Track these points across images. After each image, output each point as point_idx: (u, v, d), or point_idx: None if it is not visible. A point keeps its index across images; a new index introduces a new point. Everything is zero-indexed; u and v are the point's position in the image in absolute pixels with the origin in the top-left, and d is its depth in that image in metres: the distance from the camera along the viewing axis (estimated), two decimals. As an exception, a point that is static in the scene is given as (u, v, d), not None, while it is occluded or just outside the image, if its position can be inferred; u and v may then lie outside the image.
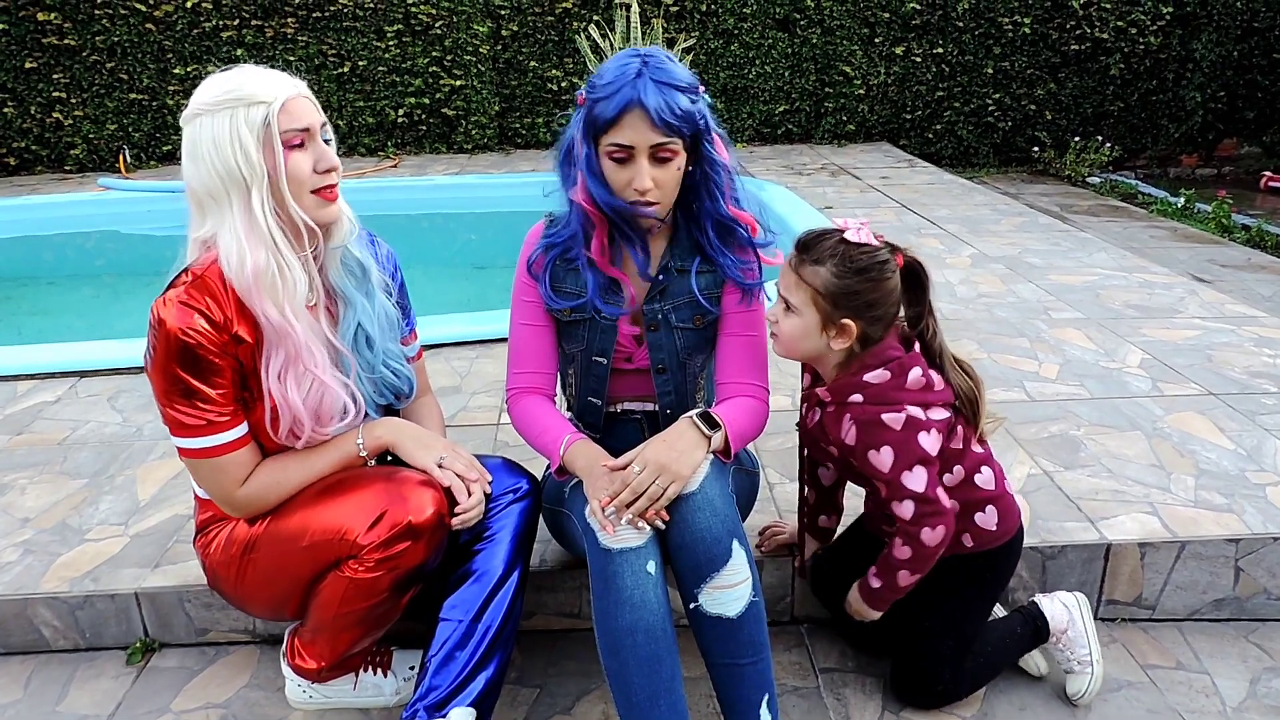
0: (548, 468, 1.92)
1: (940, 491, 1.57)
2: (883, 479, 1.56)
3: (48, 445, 2.59)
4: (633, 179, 1.54)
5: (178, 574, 1.98)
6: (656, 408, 1.81)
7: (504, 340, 3.24)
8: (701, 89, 1.57)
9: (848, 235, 1.52)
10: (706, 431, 1.57)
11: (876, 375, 1.55)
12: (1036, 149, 7.80)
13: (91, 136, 7.23)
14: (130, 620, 1.97)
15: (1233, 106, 8.02)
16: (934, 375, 1.59)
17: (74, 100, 7.13)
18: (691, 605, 1.52)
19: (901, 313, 1.59)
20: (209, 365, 1.45)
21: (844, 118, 7.78)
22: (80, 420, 2.74)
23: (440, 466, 1.60)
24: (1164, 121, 7.97)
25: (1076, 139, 7.58)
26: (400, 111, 7.45)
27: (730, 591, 1.50)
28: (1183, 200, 6.52)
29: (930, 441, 1.55)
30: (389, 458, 1.67)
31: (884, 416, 1.54)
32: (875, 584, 1.66)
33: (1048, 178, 7.64)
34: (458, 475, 1.60)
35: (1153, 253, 5.21)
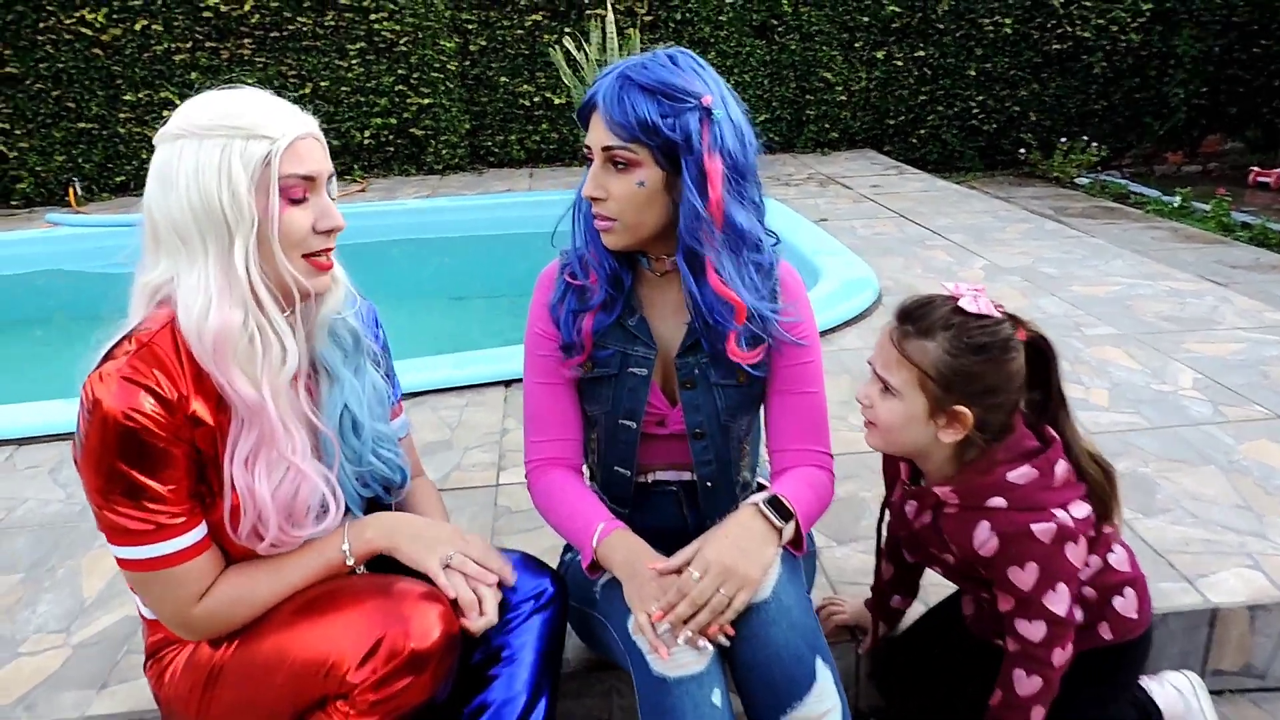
0: (568, 549, 1.62)
1: (1075, 609, 1.32)
2: (1020, 597, 1.29)
3: (-22, 532, 2.25)
4: (590, 186, 1.32)
5: (129, 697, 1.66)
6: (694, 477, 1.52)
7: (495, 385, 2.96)
8: (707, 100, 1.27)
9: (963, 304, 1.25)
10: (777, 522, 1.28)
11: (1021, 474, 1.28)
12: (1023, 151, 7.63)
13: (39, 169, 6.83)
14: (73, 757, 1.64)
15: (1215, 102, 7.90)
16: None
17: (18, 131, 6.73)
18: (770, 740, 1.23)
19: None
20: (159, 456, 1.14)
21: (826, 125, 7.57)
22: (17, 498, 2.40)
23: (448, 567, 1.30)
24: (1148, 119, 7.84)
25: (1063, 140, 7.41)
26: (366, 133, 7.13)
27: (818, 720, 1.21)
28: (1179, 199, 6.35)
29: (1077, 554, 1.28)
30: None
31: (1034, 527, 1.26)
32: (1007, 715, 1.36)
33: (1035, 180, 7.46)
34: (469, 576, 1.30)
35: (1158, 255, 5.01)
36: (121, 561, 1.19)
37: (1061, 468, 1.29)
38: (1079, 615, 1.33)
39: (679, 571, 1.25)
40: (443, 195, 6.38)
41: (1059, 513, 1.27)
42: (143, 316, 1.18)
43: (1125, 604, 1.39)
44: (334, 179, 1.23)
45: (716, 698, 1.20)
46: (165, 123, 1.16)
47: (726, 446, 1.49)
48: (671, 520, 1.56)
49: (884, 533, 1.58)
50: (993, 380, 1.24)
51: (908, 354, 1.26)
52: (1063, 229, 4.84)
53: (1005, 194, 6.82)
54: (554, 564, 1.55)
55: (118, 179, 7.00)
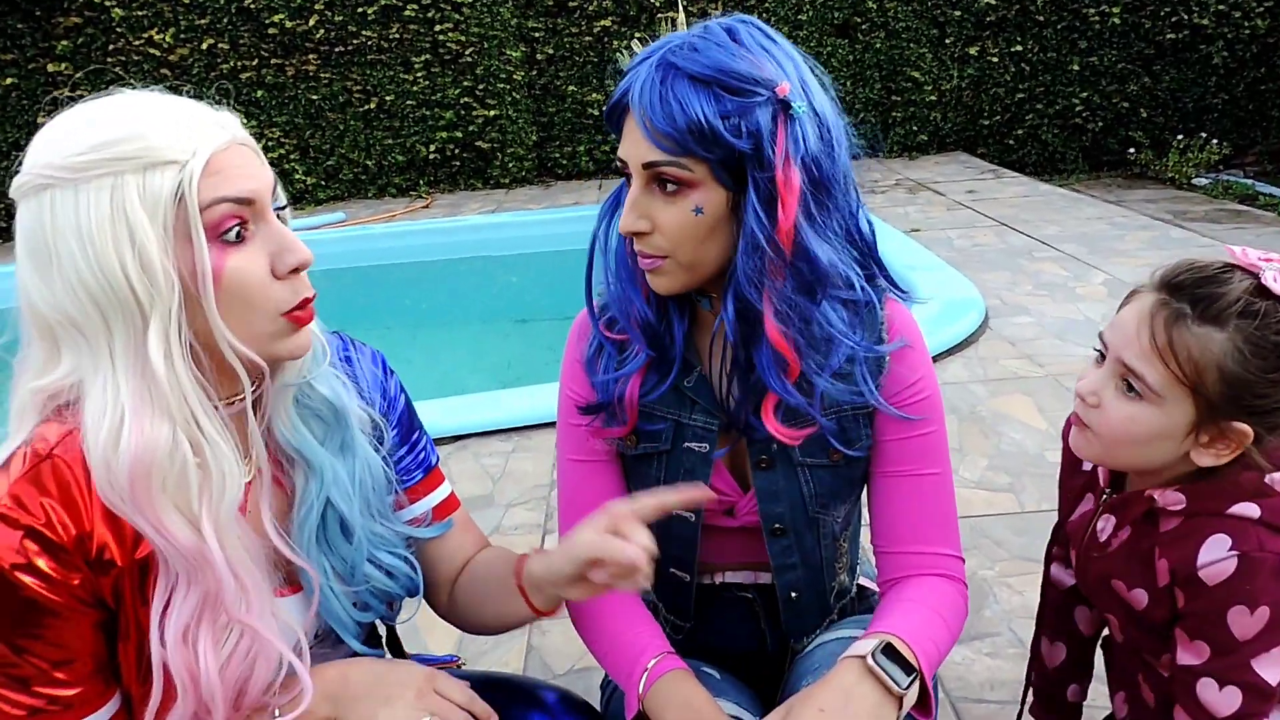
0: (606, 683, 1.26)
1: None
2: (1222, 651, 0.94)
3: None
4: (626, 218, 0.95)
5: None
6: (773, 582, 1.14)
7: (549, 425, 2.63)
8: (784, 88, 0.89)
9: (1268, 283, 0.87)
10: (897, 688, 0.89)
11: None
12: (1132, 150, 7.01)
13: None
14: None
15: (1354, 92, 7.16)
16: None
17: (89, 154, 6.76)
18: None
19: None
20: (48, 621, 0.79)
21: (914, 127, 7.08)
22: None
23: None
24: (1275, 113, 7.14)
25: (1179, 137, 6.77)
26: (432, 147, 6.94)
27: None
28: (1317, 201, 5.70)
29: None
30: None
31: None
32: None
33: (1147, 181, 6.84)
34: None
35: (1303, 264, 4.42)
36: None
37: None
38: None
39: None
40: (508, 210, 6.13)
41: None
42: (31, 427, 0.84)
43: None
44: (279, 188, 0.88)
45: None
46: (18, 167, 0.79)
47: (817, 546, 1.11)
48: (745, 637, 1.19)
49: (1050, 588, 1.21)
50: None
51: (1181, 345, 0.89)
52: (1192, 236, 4.30)
53: (1115, 198, 6.23)
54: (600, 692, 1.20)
55: (187, 200, 6.98)
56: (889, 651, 0.90)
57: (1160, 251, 4.02)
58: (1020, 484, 2.14)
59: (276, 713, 0.91)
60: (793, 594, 1.12)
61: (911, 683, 0.90)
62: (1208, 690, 0.94)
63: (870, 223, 1.05)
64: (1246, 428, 0.90)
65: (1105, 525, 1.05)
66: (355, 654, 1.04)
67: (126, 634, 0.85)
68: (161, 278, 0.77)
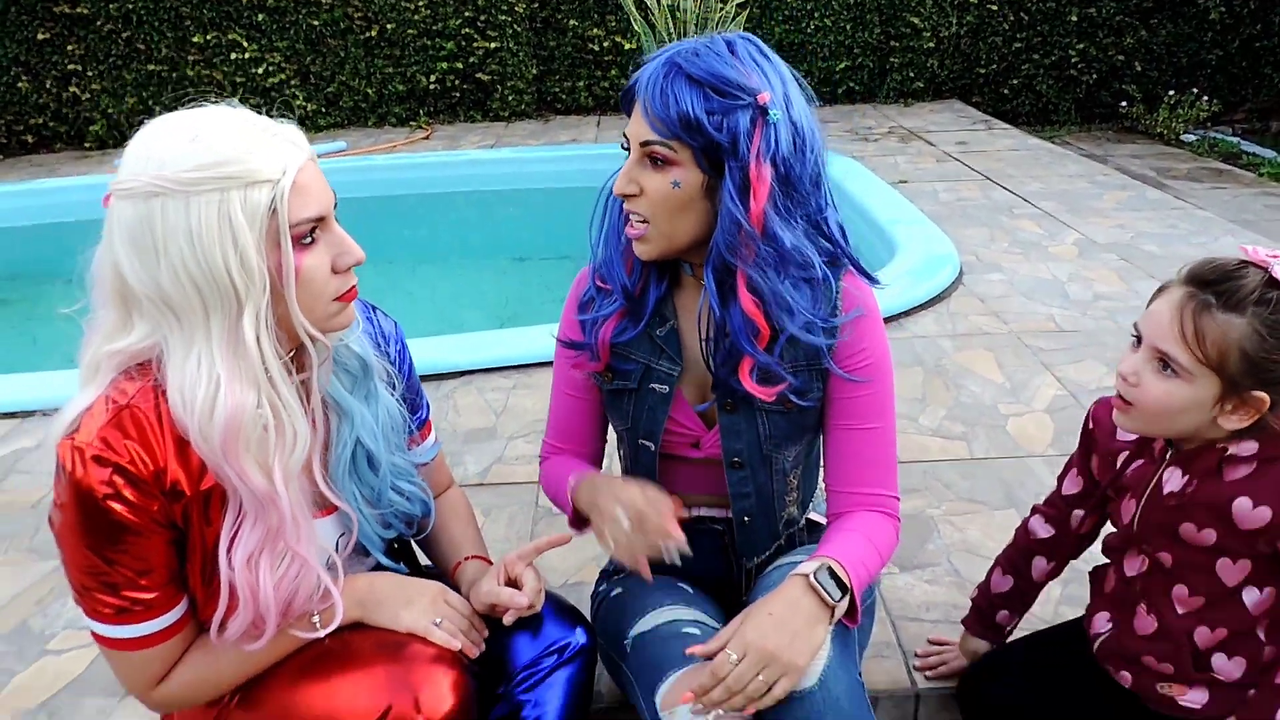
0: (600, 580, 1.50)
1: None
2: None
3: (20, 509, 2.23)
4: (622, 182, 1.17)
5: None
6: (730, 515, 1.37)
7: (546, 364, 2.83)
8: (764, 97, 1.09)
9: (1277, 274, 1.07)
10: (830, 599, 1.12)
11: None
12: (1124, 104, 7.10)
13: (110, 111, 6.87)
14: (92, 767, 1.60)
15: (1347, 51, 7.22)
16: None
17: (90, 73, 6.76)
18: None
19: None
20: (131, 539, 1.01)
21: (911, 74, 7.13)
22: (60, 474, 2.38)
23: (438, 627, 1.18)
24: (1268, 70, 7.21)
25: (1170, 92, 6.86)
26: (432, 78, 6.97)
27: (865, 824, 1.07)
28: (1299, 163, 5.84)
29: None
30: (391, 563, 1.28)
31: None
32: None
33: (1136, 135, 6.95)
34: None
35: (1272, 227, 4.60)
36: (93, 635, 1.09)
37: None
38: None
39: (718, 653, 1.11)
40: (506, 145, 6.21)
41: None
42: (107, 384, 1.02)
43: None
44: (335, 204, 1.06)
45: (753, 793, 1.07)
46: (119, 172, 0.97)
47: (769, 479, 1.33)
48: (717, 564, 1.42)
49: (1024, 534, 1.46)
50: None
51: (1207, 329, 1.08)
52: (1166, 199, 4.46)
53: (1103, 151, 6.36)
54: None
55: (188, 122, 7.01)
56: (828, 572, 1.13)
57: (1134, 212, 4.19)
58: (973, 433, 2.37)
59: (317, 620, 1.14)
60: (745, 519, 1.35)
61: (843, 598, 1.12)
62: None
63: (841, 225, 1.24)
64: (1264, 395, 1.09)
65: (1171, 477, 1.22)
66: (381, 566, 1.28)
67: (193, 550, 1.07)
68: (258, 275, 0.97)
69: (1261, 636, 1.20)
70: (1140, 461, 1.27)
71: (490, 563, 1.35)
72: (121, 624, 1.04)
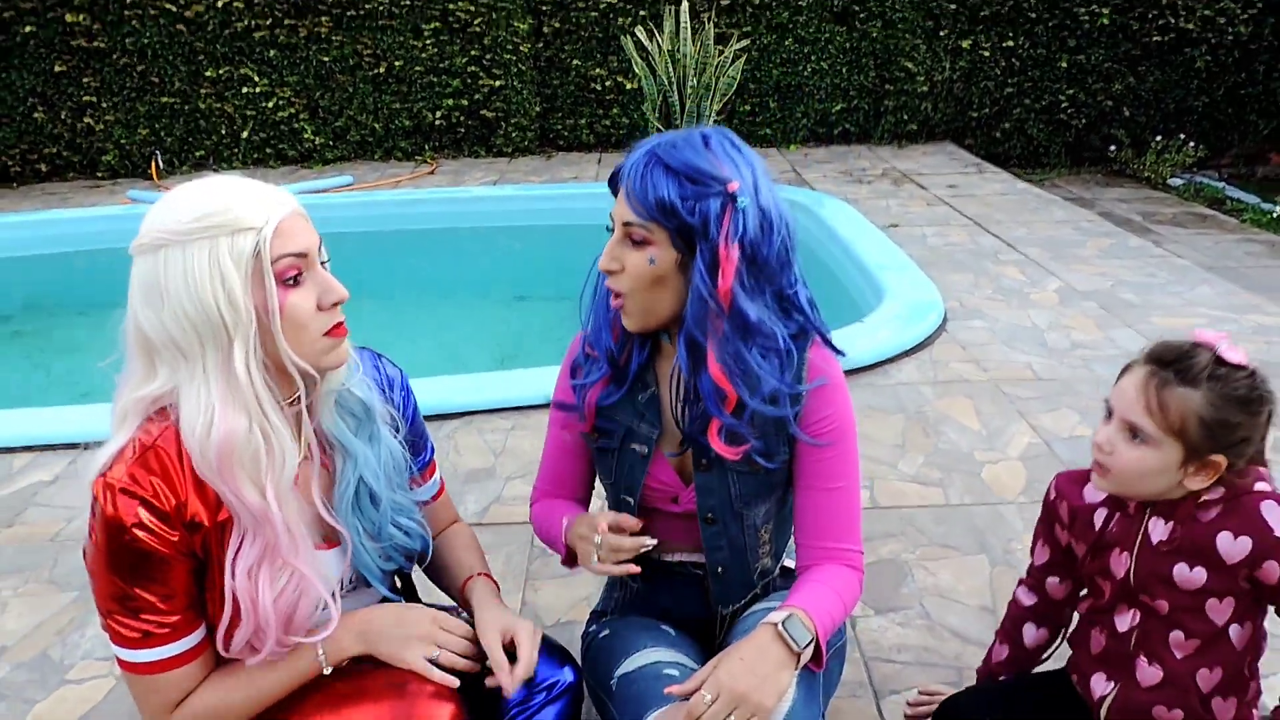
0: (591, 621, 1.61)
1: None
2: None
3: (40, 541, 2.34)
4: (605, 259, 1.29)
5: (165, 735, 1.70)
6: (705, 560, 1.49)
7: (545, 406, 2.95)
8: (733, 186, 1.22)
9: (1224, 354, 1.22)
10: (796, 647, 1.23)
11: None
12: (1113, 148, 7.28)
13: (123, 142, 7.04)
14: (110, 792, 1.70)
15: (1330, 100, 7.41)
16: None
17: (105, 105, 6.94)
18: None
19: None
20: (153, 568, 1.13)
21: (905, 116, 7.32)
22: (76, 508, 2.49)
23: (435, 662, 1.29)
24: (1252, 117, 7.39)
25: (1158, 138, 7.03)
26: (438, 114, 7.15)
27: None
28: (1278, 209, 5.99)
29: None
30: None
31: None
32: None
33: (1124, 179, 7.12)
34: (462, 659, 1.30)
35: (1250, 277, 4.73)
36: (116, 659, 1.20)
37: None
38: None
39: (694, 694, 1.22)
40: (510, 181, 6.37)
41: None
42: (135, 428, 1.15)
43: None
44: (323, 245, 1.19)
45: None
46: (137, 234, 1.11)
47: (741, 533, 1.44)
48: (694, 605, 1.53)
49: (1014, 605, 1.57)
50: (1248, 430, 1.23)
51: (1169, 402, 1.22)
52: (1147, 246, 4.60)
53: (1091, 194, 6.52)
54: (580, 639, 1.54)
55: (198, 153, 7.18)
56: (797, 621, 1.24)
57: (1116, 260, 4.33)
58: (949, 480, 2.48)
59: (323, 657, 1.26)
60: (719, 569, 1.47)
61: (808, 645, 1.24)
62: None
63: (811, 299, 1.37)
64: (1222, 459, 1.22)
65: (1156, 526, 1.32)
66: (383, 598, 1.39)
67: (212, 578, 1.18)
68: (243, 311, 1.10)
69: (1247, 673, 1.32)
70: (1118, 516, 1.38)
71: (494, 581, 1.46)
72: (142, 649, 1.15)
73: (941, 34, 7.11)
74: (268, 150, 7.23)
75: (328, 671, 1.26)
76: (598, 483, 1.55)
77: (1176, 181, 6.87)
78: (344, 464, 1.30)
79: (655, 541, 1.34)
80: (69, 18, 6.62)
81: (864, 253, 4.19)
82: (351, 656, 1.28)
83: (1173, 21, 7.01)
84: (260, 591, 1.18)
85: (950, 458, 2.58)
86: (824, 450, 1.37)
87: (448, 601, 1.64)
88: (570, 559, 1.45)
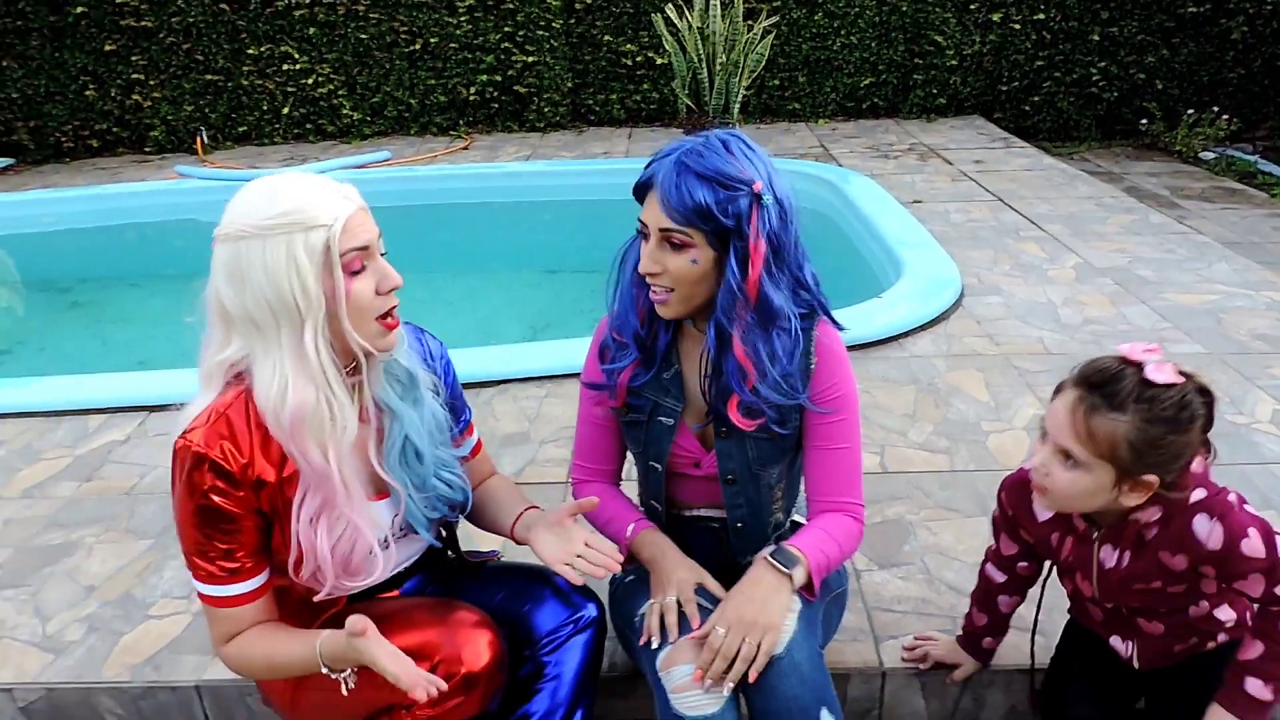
0: (614, 579, 1.79)
1: None
2: (1262, 566, 1.33)
3: (115, 495, 2.57)
4: (644, 261, 1.44)
5: (238, 664, 1.92)
6: (727, 517, 1.66)
7: (575, 375, 3.13)
8: (758, 186, 1.37)
9: (1149, 375, 1.25)
10: (785, 570, 1.41)
11: (1197, 463, 1.35)
12: (1145, 121, 7.26)
13: (170, 118, 7.29)
14: (192, 713, 1.92)
15: (1370, 71, 7.32)
16: None
17: (152, 82, 7.18)
18: (775, 777, 1.37)
19: None
20: (222, 520, 1.33)
21: (934, 90, 7.34)
22: (148, 465, 2.71)
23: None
24: (1290, 90, 7.33)
25: (1190, 111, 7.00)
26: (472, 89, 7.31)
27: (818, 765, 1.35)
28: (1311, 184, 5.98)
29: None
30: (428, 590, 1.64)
31: (1230, 498, 1.34)
32: (1263, 692, 1.40)
33: (1155, 153, 7.10)
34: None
35: (1274, 249, 4.77)
36: (198, 594, 1.40)
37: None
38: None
39: (709, 635, 1.40)
40: (542, 156, 6.52)
41: (1231, 493, 1.36)
42: (219, 388, 1.34)
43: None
44: (381, 238, 1.35)
45: (729, 737, 1.35)
46: (224, 219, 1.28)
47: (758, 492, 1.62)
48: (711, 554, 1.69)
49: (984, 579, 1.72)
50: (1179, 448, 1.27)
51: (1096, 428, 1.26)
52: (1168, 223, 4.65)
53: (1120, 168, 6.53)
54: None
55: (240, 129, 7.41)
56: (781, 551, 1.43)
57: (1135, 237, 4.40)
58: (955, 448, 2.62)
59: (347, 677, 1.39)
60: (739, 525, 1.64)
61: (794, 567, 1.41)
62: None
63: (815, 275, 1.53)
64: (1153, 478, 1.28)
65: (1108, 554, 1.43)
66: (429, 546, 1.58)
67: (282, 524, 1.37)
68: (314, 297, 1.29)
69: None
70: (1070, 541, 1.49)
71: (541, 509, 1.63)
72: (212, 585, 1.35)
73: (972, 7, 7.11)
74: (307, 126, 7.44)
75: (325, 670, 1.37)
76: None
77: (1208, 155, 6.85)
78: (392, 424, 1.49)
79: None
80: (118, -2, 6.85)
81: (886, 229, 4.30)
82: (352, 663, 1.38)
83: (1209, -8, 6.96)
84: (319, 537, 1.37)
85: (958, 427, 2.73)
86: (829, 417, 1.54)
87: (489, 547, 1.84)
88: (629, 559, 1.61)
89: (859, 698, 1.87)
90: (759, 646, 1.37)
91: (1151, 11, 7.06)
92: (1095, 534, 1.44)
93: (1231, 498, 1.35)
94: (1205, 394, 1.29)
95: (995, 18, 7.11)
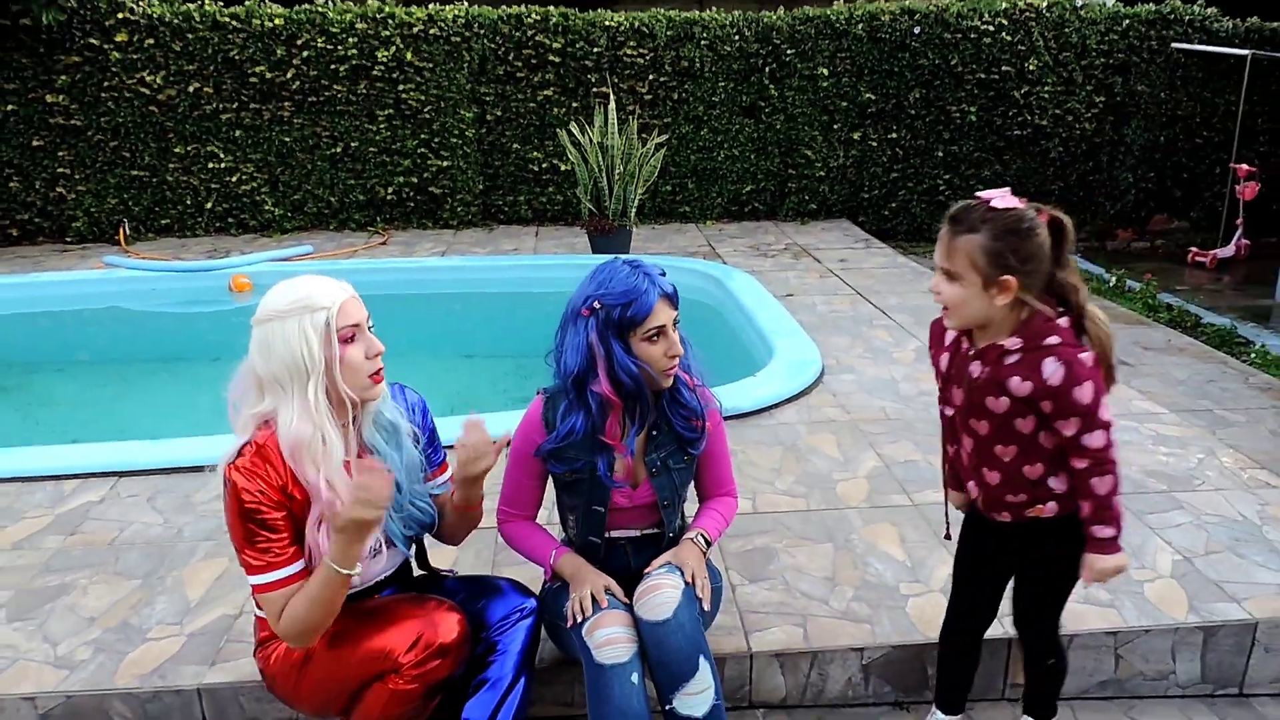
0: (547, 580, 2.32)
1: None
2: (1081, 412, 1.67)
3: (100, 546, 2.95)
4: (668, 348, 2.00)
5: (232, 670, 2.35)
6: (642, 534, 2.22)
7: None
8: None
9: (994, 204, 1.65)
10: (703, 547, 2.14)
11: (1062, 322, 1.71)
12: (985, 226, 8.35)
13: (93, 210, 7.58)
14: (192, 712, 2.33)
15: (1162, 186, 8.67)
16: None
17: (77, 176, 7.49)
18: (667, 707, 1.93)
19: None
20: (266, 519, 1.81)
21: (806, 197, 8.32)
22: (125, 521, 3.10)
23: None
24: (1100, 199, 8.61)
25: (1021, 218, 8.13)
26: (390, 189, 7.88)
27: (697, 697, 1.91)
28: (1114, 279, 7.08)
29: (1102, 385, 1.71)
30: (414, 574, 2.13)
31: (1080, 357, 1.67)
32: (1109, 531, 1.77)
33: (995, 253, 8.18)
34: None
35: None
36: (252, 587, 1.87)
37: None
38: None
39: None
40: (456, 252, 7.11)
41: (1086, 353, 1.69)
42: (252, 432, 1.85)
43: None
44: (370, 319, 1.89)
45: (635, 678, 1.90)
46: (258, 311, 1.81)
47: (679, 509, 2.24)
48: (620, 565, 2.24)
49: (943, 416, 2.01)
50: (1025, 251, 1.63)
51: (959, 245, 1.65)
52: (994, 313, 5.54)
53: (963, 267, 7.53)
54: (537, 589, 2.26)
55: (163, 221, 7.75)
56: (701, 536, 2.09)
57: (966, 324, 5.25)
58: (811, 493, 3.26)
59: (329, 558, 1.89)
60: (669, 535, 2.21)
61: (709, 546, 2.05)
62: (1088, 439, 1.68)
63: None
64: (1010, 279, 1.64)
65: (974, 367, 1.77)
66: (406, 558, 2.10)
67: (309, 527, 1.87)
68: (317, 361, 1.83)
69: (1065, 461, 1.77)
70: (956, 358, 1.85)
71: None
72: (263, 573, 1.83)
73: (835, 127, 8.16)
74: (230, 220, 7.85)
75: (341, 570, 1.82)
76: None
77: (1038, 256, 7.95)
78: (378, 463, 2.02)
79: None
80: (49, 98, 7.20)
81: (761, 319, 5.04)
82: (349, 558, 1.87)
83: (1029, 119, 8.19)
84: (320, 539, 1.88)
85: (814, 478, 3.38)
86: (711, 447, 2.18)
87: (446, 566, 2.35)
88: (554, 577, 2.18)
89: (733, 676, 2.43)
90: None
91: (985, 134, 8.25)
92: (971, 351, 1.80)
93: (1084, 355, 1.67)
94: (1057, 224, 1.69)
95: (856, 136, 8.17)
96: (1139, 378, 4.91)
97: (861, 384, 4.30)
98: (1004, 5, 7.91)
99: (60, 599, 2.67)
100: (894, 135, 8.18)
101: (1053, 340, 1.68)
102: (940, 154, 8.25)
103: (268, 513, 1.81)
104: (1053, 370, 1.67)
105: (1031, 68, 8.00)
